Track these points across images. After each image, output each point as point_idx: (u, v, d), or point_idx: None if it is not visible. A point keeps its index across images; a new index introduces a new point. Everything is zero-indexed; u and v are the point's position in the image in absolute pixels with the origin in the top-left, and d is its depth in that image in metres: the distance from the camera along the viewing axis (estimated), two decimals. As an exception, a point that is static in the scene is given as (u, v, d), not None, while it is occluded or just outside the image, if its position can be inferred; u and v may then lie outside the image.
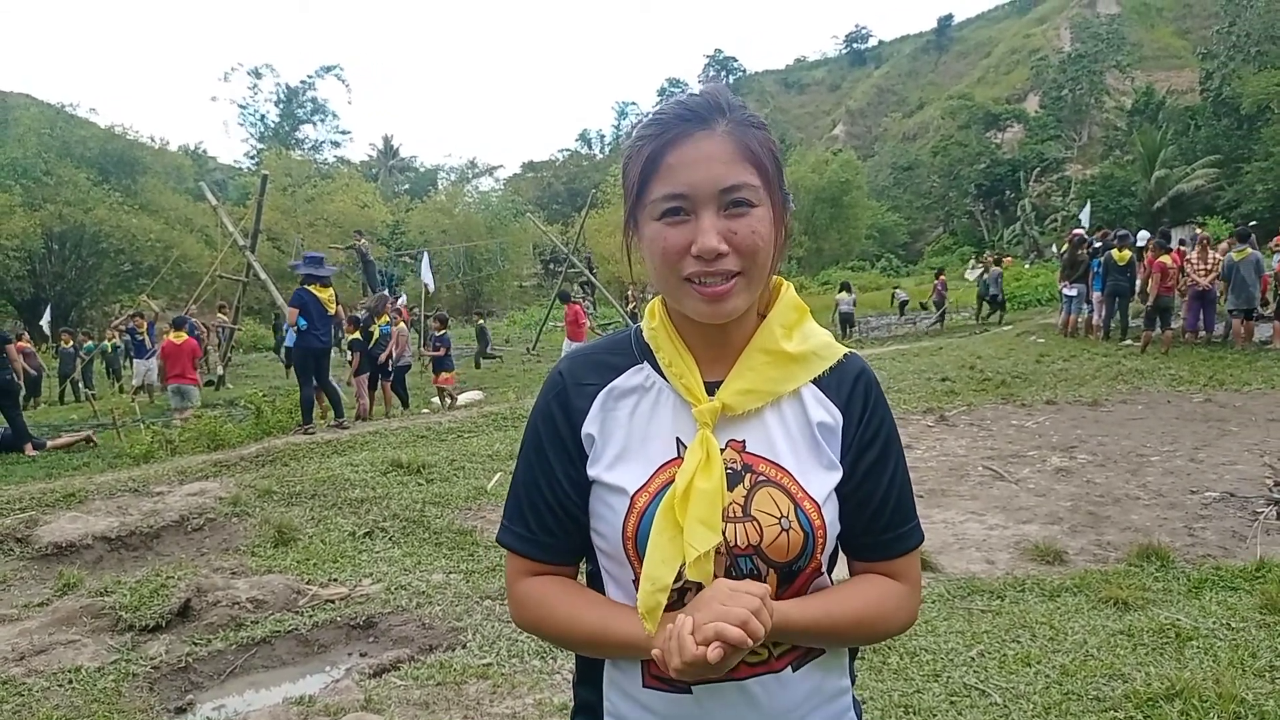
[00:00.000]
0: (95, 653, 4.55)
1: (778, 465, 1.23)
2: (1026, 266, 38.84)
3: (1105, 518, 6.42)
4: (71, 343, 21.53)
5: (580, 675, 1.37)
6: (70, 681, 4.20)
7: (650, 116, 1.23)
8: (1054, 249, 22.27)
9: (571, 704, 1.41)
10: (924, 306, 28.27)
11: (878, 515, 1.28)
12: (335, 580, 5.55)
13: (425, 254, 19.69)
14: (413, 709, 3.81)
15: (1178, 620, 4.41)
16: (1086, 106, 66.01)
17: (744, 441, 1.24)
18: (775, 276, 1.32)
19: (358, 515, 6.92)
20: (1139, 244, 16.28)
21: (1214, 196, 41.42)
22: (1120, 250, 15.38)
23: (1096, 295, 16.20)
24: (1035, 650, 4.16)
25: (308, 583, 5.48)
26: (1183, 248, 16.62)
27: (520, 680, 4.05)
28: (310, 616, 4.97)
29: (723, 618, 1.06)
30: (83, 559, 6.17)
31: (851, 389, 1.30)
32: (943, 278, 26.55)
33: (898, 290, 31.64)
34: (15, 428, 11.79)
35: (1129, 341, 15.21)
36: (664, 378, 1.27)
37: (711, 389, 1.24)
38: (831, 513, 1.24)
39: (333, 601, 5.17)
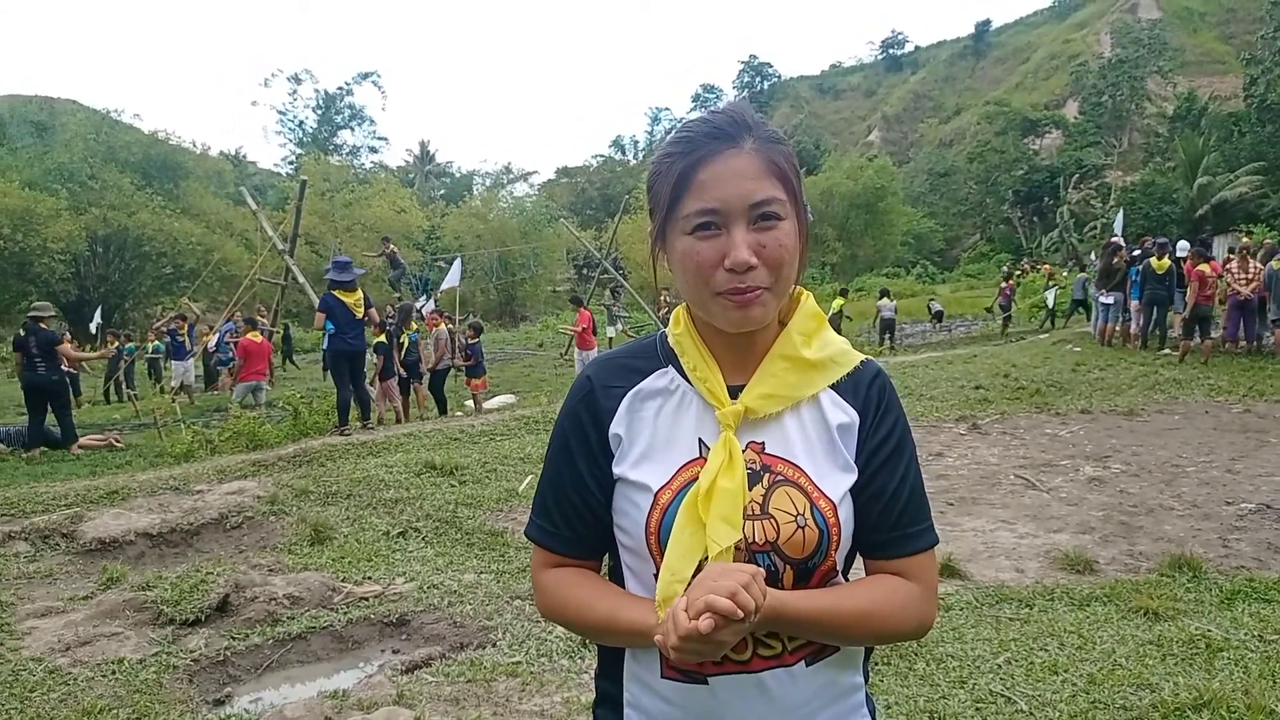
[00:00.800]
0: (137, 645, 4.66)
1: (795, 465, 1.28)
2: (1064, 274, 38.49)
3: (1138, 528, 6.38)
4: (116, 344, 21.93)
5: (601, 667, 1.43)
6: (113, 672, 4.32)
7: (677, 134, 1.28)
8: (1092, 256, 21.99)
9: (583, 696, 1.47)
10: (989, 310, 27.81)
11: (888, 511, 1.32)
12: (369, 578, 5.64)
13: (460, 260, 19.87)
14: (443, 705, 3.89)
15: (1208, 631, 4.40)
16: (1127, 112, 65.25)
17: (763, 443, 1.29)
18: (795, 286, 1.36)
19: (392, 515, 7.02)
20: (1179, 254, 16.07)
21: (1258, 204, 40.72)
22: (1159, 259, 15.22)
23: (1134, 304, 16.04)
24: (1063, 658, 4.17)
25: (343, 580, 5.57)
26: (1230, 255, 16.38)
27: (549, 678, 4.12)
28: (345, 613, 5.06)
29: (712, 592, 1.09)
30: (125, 554, 6.31)
31: (868, 391, 1.35)
32: (1011, 282, 26.17)
33: (933, 300, 31.25)
34: (64, 426, 12.05)
35: (1167, 350, 15.04)
36: (688, 381, 1.33)
37: (734, 393, 1.30)
38: (846, 512, 1.29)
39: (367, 599, 5.26)
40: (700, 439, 1.29)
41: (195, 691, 4.19)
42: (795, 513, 1.25)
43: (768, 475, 1.27)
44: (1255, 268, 14.36)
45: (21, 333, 12.16)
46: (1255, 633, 4.37)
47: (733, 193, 1.21)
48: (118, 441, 12.41)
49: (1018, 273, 38.16)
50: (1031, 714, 3.67)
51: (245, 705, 4.12)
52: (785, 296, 1.29)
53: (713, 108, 1.31)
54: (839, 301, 23.31)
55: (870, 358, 1.39)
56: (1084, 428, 10.08)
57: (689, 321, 1.35)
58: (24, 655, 4.51)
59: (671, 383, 1.34)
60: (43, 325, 12.15)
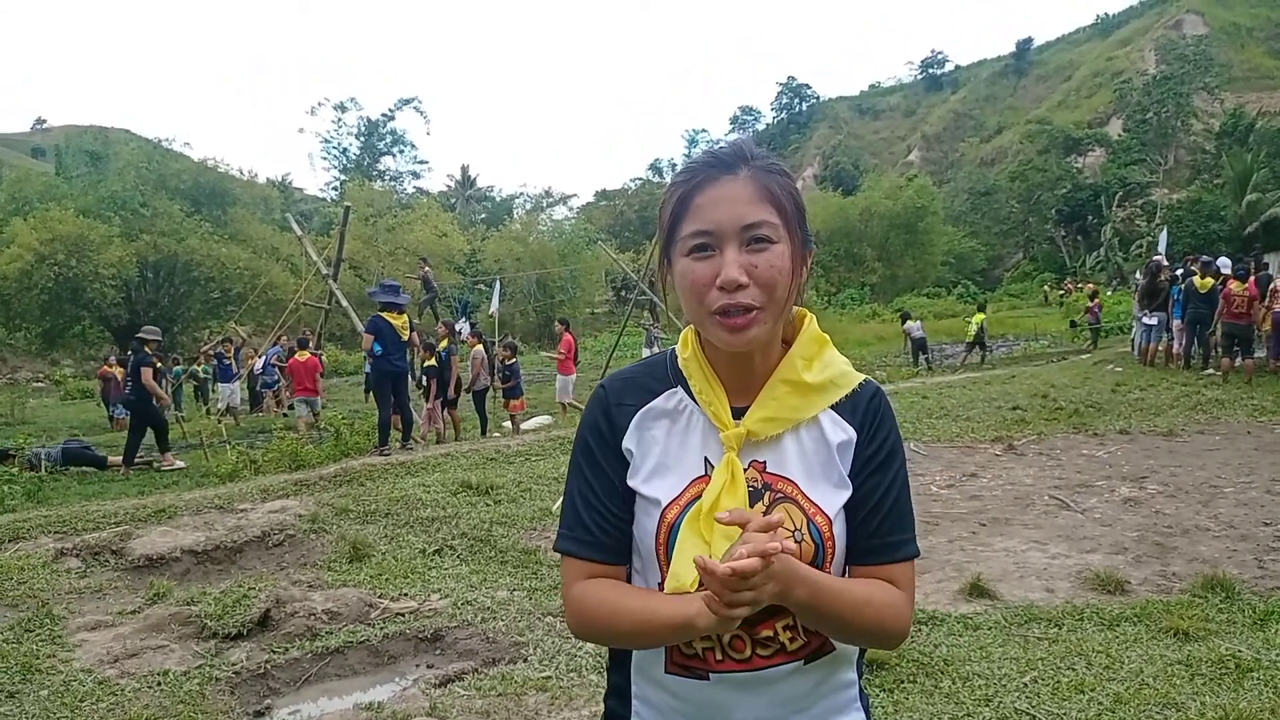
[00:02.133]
0: (182, 657, 4.82)
1: (792, 483, 1.36)
2: (1109, 293, 38.04)
3: (1172, 548, 6.34)
4: (161, 365, 22.38)
5: (612, 662, 1.51)
6: (159, 684, 4.47)
7: (683, 166, 1.40)
8: (1137, 275, 21.72)
9: (605, 689, 1.55)
10: (1074, 325, 27.28)
11: (873, 516, 1.38)
12: (406, 595, 5.76)
13: (499, 282, 20.15)
14: (474, 718, 3.99)
15: (1239, 651, 4.38)
16: (1172, 129, 64.34)
17: (765, 462, 1.37)
18: (799, 309, 1.44)
19: (428, 533, 7.15)
20: (1223, 270, 15.89)
21: (1309, 221, 40.01)
22: (1202, 277, 15.06)
23: (1177, 323, 15.86)
24: (1090, 678, 4.17)
25: (380, 596, 5.71)
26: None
27: (578, 693, 4.20)
28: (381, 629, 5.19)
29: (746, 543, 1.18)
30: (171, 570, 6.50)
31: (865, 409, 1.42)
32: (1098, 300, 25.95)
33: (981, 325, 30.77)
34: (129, 446, 12.50)
35: (1210, 370, 14.86)
36: (695, 402, 1.41)
37: (737, 414, 1.38)
38: (840, 526, 1.36)
39: (403, 615, 5.38)
40: (706, 458, 1.37)
41: (236, 703, 4.33)
42: (793, 528, 1.32)
43: (769, 493, 1.35)
44: (1276, 286, 14.19)
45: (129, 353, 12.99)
46: (1286, 653, 4.34)
47: (725, 215, 1.29)
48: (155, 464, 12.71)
49: (1060, 292, 37.69)
50: (1055, 732, 3.69)
51: (284, 717, 4.25)
52: (781, 318, 1.35)
53: (719, 144, 1.42)
54: (979, 317, 23.16)
55: (869, 379, 1.46)
56: (1122, 448, 10.00)
57: (696, 345, 1.42)
58: (75, 667, 4.68)
59: (680, 404, 1.41)
60: (146, 349, 12.87)
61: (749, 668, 1.34)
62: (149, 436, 12.98)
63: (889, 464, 1.41)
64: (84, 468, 12.52)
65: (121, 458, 12.52)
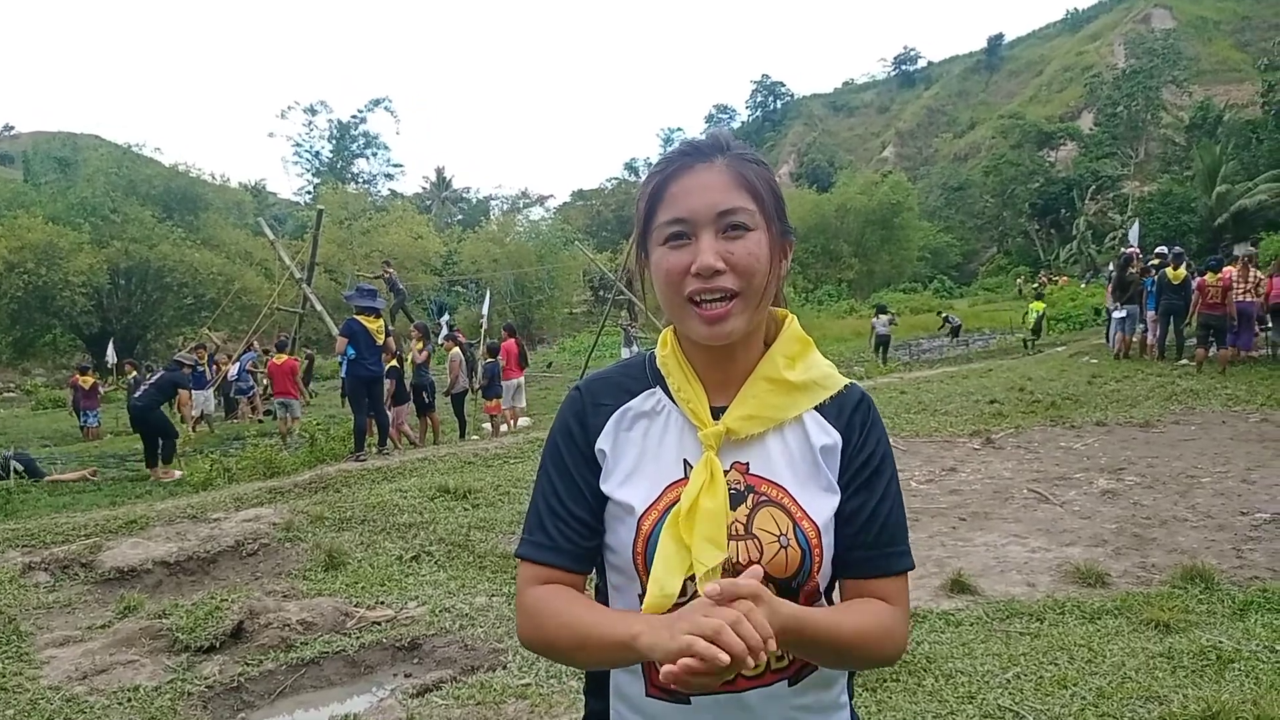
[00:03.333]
0: (153, 672, 4.72)
1: (778, 486, 1.30)
2: (1083, 286, 38.34)
3: (1151, 540, 6.35)
4: (135, 373, 22.17)
5: (589, 684, 1.44)
6: (129, 700, 4.37)
7: (660, 157, 1.35)
8: (1110, 268, 21.88)
9: (584, 711, 1.47)
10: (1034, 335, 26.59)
11: (867, 529, 1.32)
12: (382, 603, 5.68)
13: (490, 293, 20.19)
14: (452, 727, 3.92)
15: (1220, 642, 4.37)
16: (1143, 123, 65.00)
17: (747, 464, 1.31)
18: (781, 309, 1.40)
19: (405, 540, 7.07)
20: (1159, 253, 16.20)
21: (1277, 212, 40.43)
22: (1175, 269, 15.18)
23: (1150, 314, 15.98)
24: (1072, 672, 4.15)
25: (356, 605, 5.62)
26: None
27: (557, 700, 4.14)
28: (357, 638, 5.10)
29: (694, 629, 1.06)
30: (143, 583, 6.39)
31: (852, 412, 1.36)
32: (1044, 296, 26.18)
33: (949, 314, 31.03)
34: (148, 453, 12.50)
35: (1184, 361, 14.96)
36: (674, 402, 1.35)
37: (717, 414, 1.32)
38: (829, 534, 1.30)
39: (379, 624, 5.31)
40: (685, 460, 1.31)
41: (209, 717, 4.25)
42: (778, 533, 1.26)
43: (752, 496, 1.28)
44: (1255, 276, 14.38)
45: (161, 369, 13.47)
46: (1267, 644, 4.34)
47: (700, 203, 1.25)
48: (93, 476, 12.52)
49: (1034, 285, 38.01)
50: (1039, 728, 3.66)
51: (258, 731, 4.17)
52: (760, 309, 1.30)
53: (729, 119, 1.36)
54: (1039, 305, 23.32)
55: (854, 382, 1.40)
56: (1099, 440, 10.03)
57: (675, 343, 1.38)
58: (42, 684, 4.57)
59: (658, 404, 1.36)
60: (184, 370, 13.64)
61: (732, 690, 1.27)
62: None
63: (881, 475, 1.35)
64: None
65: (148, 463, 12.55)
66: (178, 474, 12.19)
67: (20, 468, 12.00)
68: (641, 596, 1.27)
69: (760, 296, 1.28)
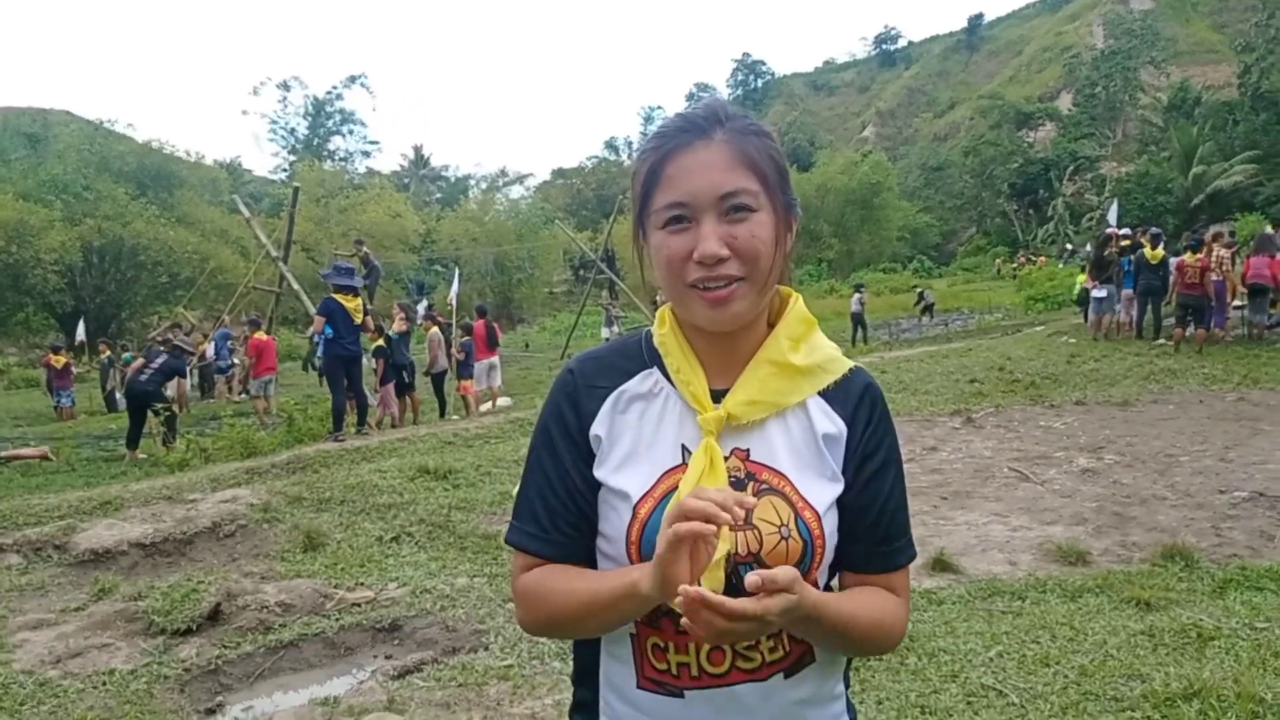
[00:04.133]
0: (129, 656, 4.65)
1: (780, 474, 1.25)
2: (1060, 266, 38.51)
3: (1131, 518, 6.38)
4: (109, 353, 21.94)
5: (578, 674, 1.39)
6: (104, 683, 4.31)
7: (654, 130, 1.27)
8: (1087, 248, 21.87)
9: (570, 700, 1.42)
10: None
11: (875, 525, 1.29)
12: (362, 584, 5.62)
13: (458, 269, 20.00)
14: (434, 709, 3.88)
15: (1200, 620, 4.39)
16: (1121, 104, 65.20)
17: (748, 450, 1.26)
18: (785, 288, 1.33)
19: (385, 520, 7.01)
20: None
21: (1253, 193, 40.72)
22: (1152, 249, 15.25)
23: (1127, 293, 16.06)
24: (1054, 651, 4.16)
25: (335, 587, 5.56)
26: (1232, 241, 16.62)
27: (540, 681, 4.11)
28: (337, 620, 5.05)
29: (671, 518, 1.07)
30: (118, 565, 6.29)
31: (858, 402, 1.31)
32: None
33: (925, 291, 31.07)
34: (132, 431, 12.49)
35: (1162, 341, 15.05)
36: (672, 384, 1.29)
37: (718, 397, 1.26)
38: (831, 524, 1.25)
39: (359, 605, 5.25)
40: (683, 445, 1.26)
41: (186, 701, 4.19)
42: (779, 523, 1.21)
43: (752, 484, 1.23)
44: (1218, 255, 14.56)
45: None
46: (1246, 621, 4.37)
47: (700, 185, 1.18)
48: (51, 456, 12.41)
49: (1013, 265, 38.20)
50: (1023, 707, 3.66)
51: (237, 714, 4.11)
52: (766, 291, 1.25)
53: (693, 104, 1.30)
54: (1081, 277, 23.29)
55: (860, 366, 1.35)
56: (1078, 419, 10.08)
57: (674, 322, 1.32)
58: (15, 668, 4.50)
59: (655, 386, 1.30)
60: (185, 359, 14.41)
61: (726, 683, 1.23)
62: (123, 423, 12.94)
63: (888, 467, 1.31)
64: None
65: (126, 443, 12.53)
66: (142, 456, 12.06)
67: None
68: None
69: (767, 278, 1.23)
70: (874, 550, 1.30)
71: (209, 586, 5.35)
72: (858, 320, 24.05)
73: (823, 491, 1.25)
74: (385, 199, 49.81)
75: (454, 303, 18.28)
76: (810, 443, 1.27)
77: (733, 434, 1.25)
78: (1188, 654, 4.05)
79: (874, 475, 1.29)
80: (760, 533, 1.20)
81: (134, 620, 5.09)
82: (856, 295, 24.72)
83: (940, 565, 5.45)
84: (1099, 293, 16.37)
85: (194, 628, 4.96)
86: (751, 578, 1.06)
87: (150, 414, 12.46)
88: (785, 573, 1.07)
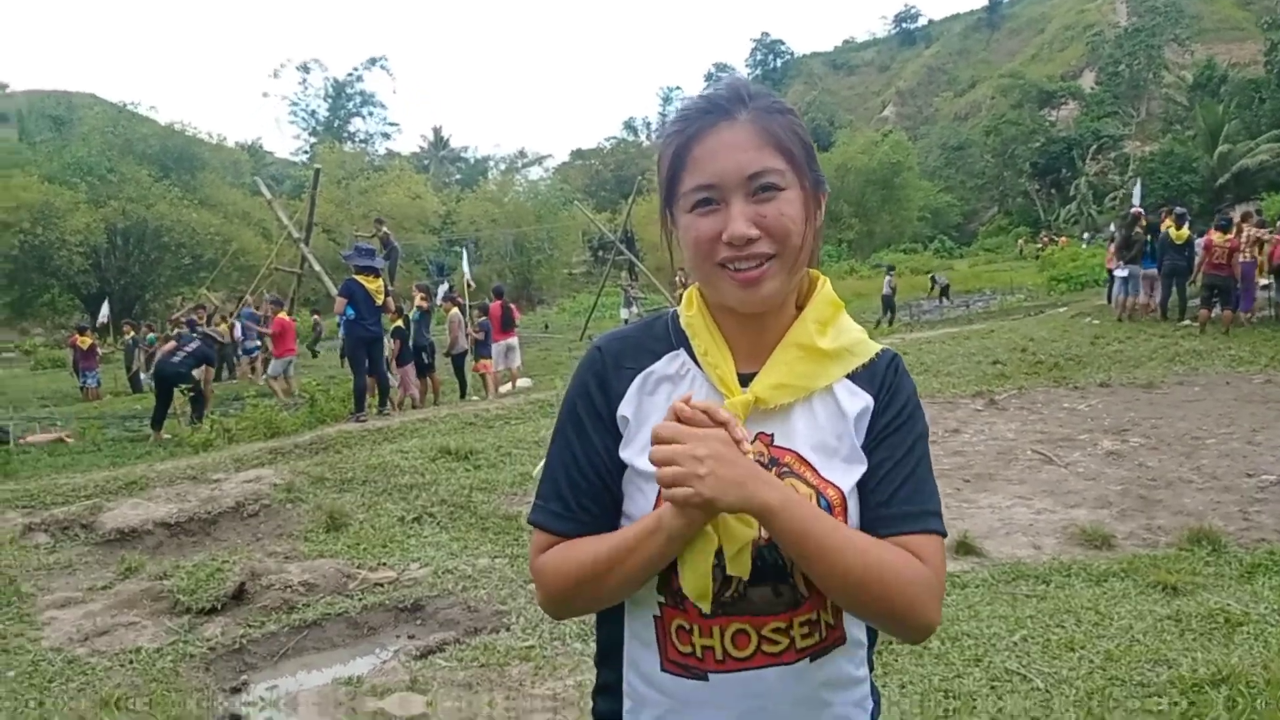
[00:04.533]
0: (154, 634, 4.69)
1: (802, 458, 1.24)
2: (1084, 246, 38.14)
3: (1156, 501, 6.33)
4: (133, 334, 22.10)
5: (601, 655, 1.38)
6: (130, 661, 4.35)
7: (677, 112, 1.26)
8: (1112, 228, 21.59)
9: (594, 681, 1.41)
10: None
11: (888, 482, 1.24)
12: (384, 564, 5.65)
13: (466, 249, 20.04)
14: (456, 689, 3.90)
15: (1228, 605, 4.35)
16: (1144, 82, 64.39)
17: (772, 435, 1.25)
18: (814, 271, 1.33)
19: (407, 501, 7.04)
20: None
21: (1279, 171, 40.19)
22: (1178, 229, 15.08)
23: (1149, 273, 15.90)
24: (1080, 635, 4.13)
25: (358, 567, 5.59)
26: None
27: (561, 662, 4.12)
28: (360, 600, 5.08)
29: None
30: (144, 544, 6.35)
31: (884, 376, 1.31)
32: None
33: (937, 275, 30.75)
34: (159, 412, 12.64)
35: (1187, 322, 14.91)
36: (699, 366, 1.29)
37: (745, 380, 1.26)
38: (855, 504, 1.24)
39: (381, 585, 5.28)
40: None
41: (211, 679, 4.22)
42: None
43: (775, 468, 1.22)
44: (1248, 235, 14.44)
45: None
46: (1275, 606, 4.32)
47: (728, 166, 1.18)
48: (69, 438, 12.52)
49: (1036, 246, 37.86)
50: (1048, 692, 3.64)
51: (261, 693, 4.14)
52: (796, 270, 1.24)
53: (714, 84, 1.28)
54: (1182, 234, 23.13)
55: (888, 347, 1.35)
56: (1102, 401, 10.00)
57: (701, 303, 1.31)
58: (43, 646, 4.55)
59: (682, 367, 1.30)
60: (213, 347, 14.48)
61: (750, 666, 1.22)
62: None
63: (906, 428, 1.28)
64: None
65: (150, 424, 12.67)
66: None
67: None
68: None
69: (797, 257, 1.22)
70: (888, 511, 1.24)
71: (233, 566, 5.39)
72: (888, 303, 23.88)
73: (844, 473, 1.24)
74: (405, 180, 49.89)
75: (471, 283, 18.29)
76: (836, 426, 1.26)
77: (758, 418, 1.25)
78: (1215, 640, 4.01)
79: (890, 435, 1.27)
80: None
81: (160, 599, 5.13)
82: (888, 277, 24.54)
83: (964, 548, 5.42)
84: (1122, 273, 16.22)
85: (219, 607, 5.00)
86: (678, 404, 1.14)
87: (177, 393, 12.59)
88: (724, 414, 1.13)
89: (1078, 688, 3.64)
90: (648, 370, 1.30)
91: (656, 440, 1.11)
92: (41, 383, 23.58)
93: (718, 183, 1.18)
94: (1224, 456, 7.39)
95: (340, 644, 4.69)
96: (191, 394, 12.86)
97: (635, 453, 1.26)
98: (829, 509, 1.20)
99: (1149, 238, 15.83)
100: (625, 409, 1.29)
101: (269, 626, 4.78)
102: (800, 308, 1.30)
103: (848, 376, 1.28)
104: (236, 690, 4.15)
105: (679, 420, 1.12)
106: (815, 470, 1.23)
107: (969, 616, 4.42)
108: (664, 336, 1.34)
